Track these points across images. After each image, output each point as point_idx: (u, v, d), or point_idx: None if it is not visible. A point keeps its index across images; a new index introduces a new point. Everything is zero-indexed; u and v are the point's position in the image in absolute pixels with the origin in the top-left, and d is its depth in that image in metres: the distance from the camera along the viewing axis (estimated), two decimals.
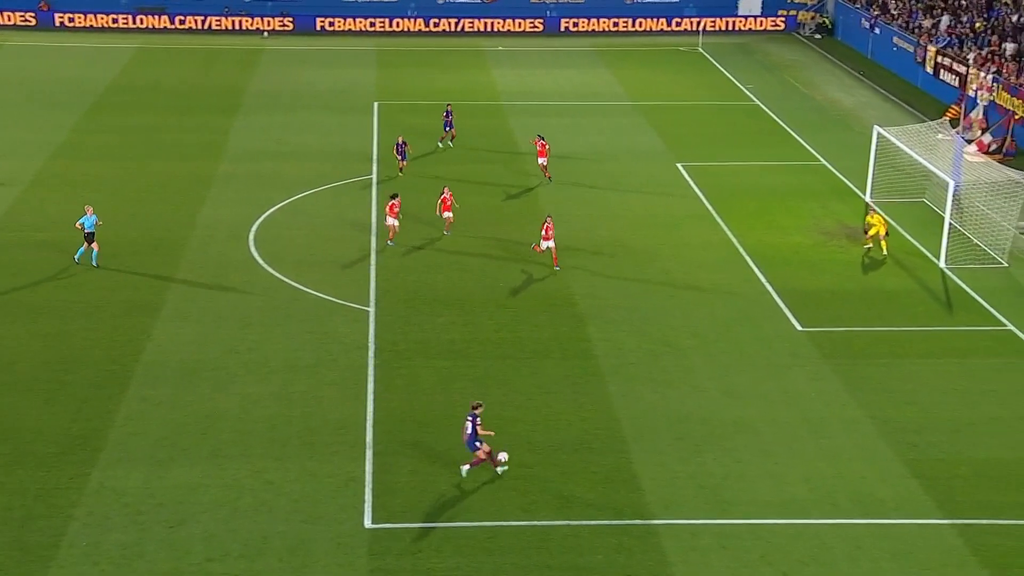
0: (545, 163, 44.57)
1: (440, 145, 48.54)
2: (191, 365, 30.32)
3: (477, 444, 25.26)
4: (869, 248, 38.02)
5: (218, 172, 45.90)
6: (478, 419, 25.20)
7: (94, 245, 35.81)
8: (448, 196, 39.22)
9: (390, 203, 38.19)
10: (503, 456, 25.52)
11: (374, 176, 45.47)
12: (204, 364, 30.43)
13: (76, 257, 36.11)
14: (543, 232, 36.48)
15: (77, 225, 36.09)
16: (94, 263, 35.90)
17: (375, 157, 47.96)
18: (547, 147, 44.57)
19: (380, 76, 62.77)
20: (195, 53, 67.23)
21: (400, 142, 45.19)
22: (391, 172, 46.00)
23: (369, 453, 26.46)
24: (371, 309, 33.93)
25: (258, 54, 67.40)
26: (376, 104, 56.61)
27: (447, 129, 49.01)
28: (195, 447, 26.60)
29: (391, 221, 38.13)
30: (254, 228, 39.87)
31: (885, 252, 37.70)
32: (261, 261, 37.09)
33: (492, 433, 25.70)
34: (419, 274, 36.53)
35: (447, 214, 39.09)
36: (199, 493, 24.91)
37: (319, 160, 47.39)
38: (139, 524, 23.94)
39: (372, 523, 24.02)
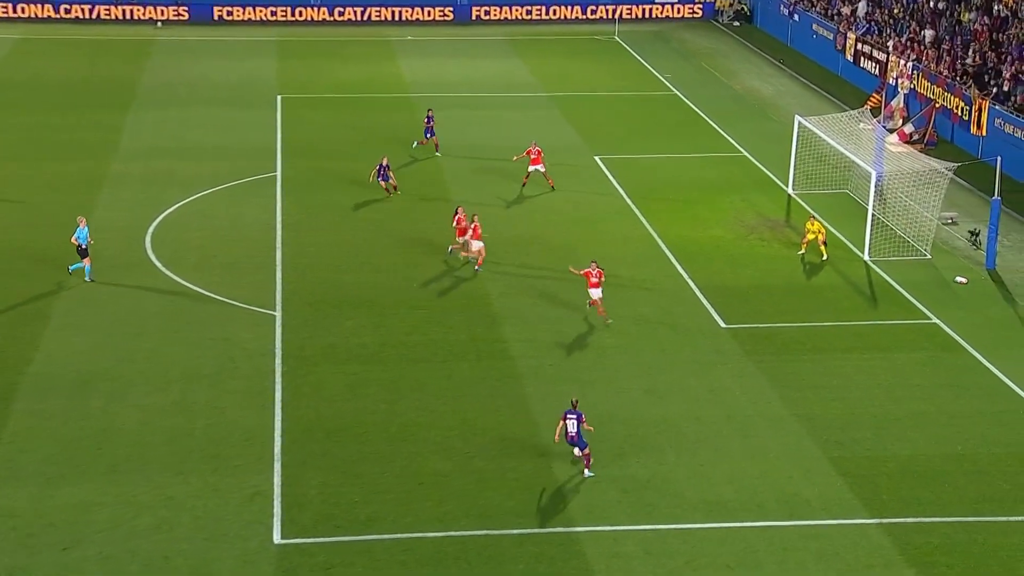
0: (543, 170, 42.43)
1: (414, 146, 46.80)
2: (84, 376, 29.75)
3: (585, 441, 25.68)
4: (803, 253, 38.38)
5: (110, 172, 45.11)
6: (583, 415, 25.59)
7: (86, 260, 34.95)
8: (463, 217, 36.41)
9: (473, 224, 35.79)
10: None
11: (278, 174, 45.04)
12: (98, 375, 29.88)
13: (73, 271, 35.38)
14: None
15: (73, 240, 34.90)
16: (88, 278, 35.02)
17: (279, 154, 47.50)
18: (541, 153, 42.58)
19: (282, 68, 62.18)
20: (82, 44, 65.94)
21: (384, 164, 42.05)
22: (296, 171, 45.57)
23: (277, 465, 26.18)
24: (276, 313, 33.59)
25: (150, 45, 66.35)
26: (279, 98, 56.07)
27: (428, 136, 46.79)
28: (89, 463, 26.08)
29: (476, 245, 35.67)
30: (151, 230, 39.25)
31: (825, 256, 38.02)
32: (159, 264, 36.53)
33: (592, 429, 26.14)
34: (327, 275, 36.25)
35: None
36: (94, 512, 24.41)
37: (219, 158, 46.80)
38: (28, 547, 23.39)
39: (281, 539, 23.77)
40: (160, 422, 27.81)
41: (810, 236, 38.18)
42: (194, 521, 24.21)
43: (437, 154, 46.52)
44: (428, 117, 47.08)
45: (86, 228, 35.18)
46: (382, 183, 42.15)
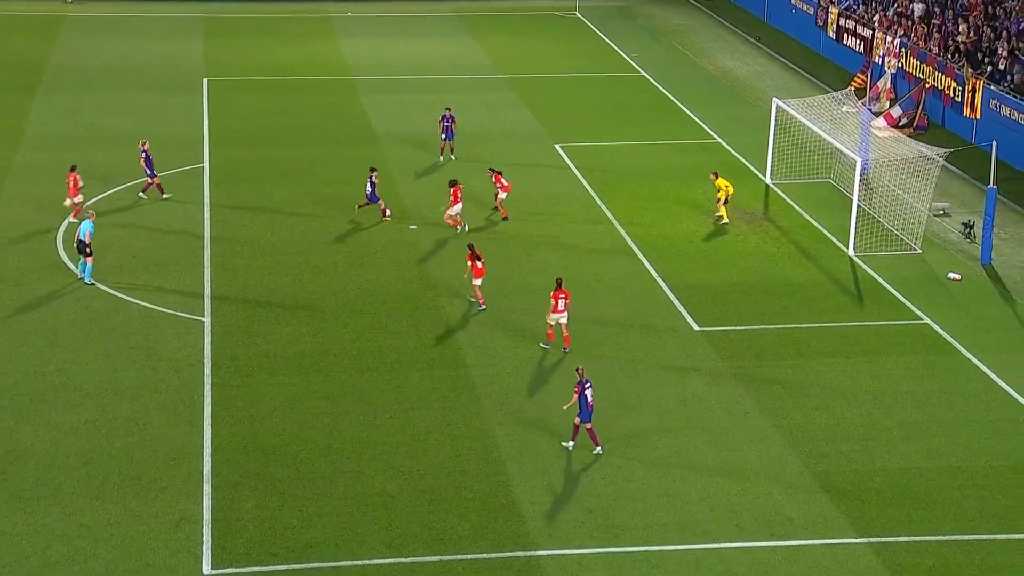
0: (503, 198, 40.22)
1: (441, 159, 45.51)
2: None
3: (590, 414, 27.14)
4: (721, 217, 40.27)
5: (14, 162, 44.77)
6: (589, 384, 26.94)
7: (88, 259, 35.06)
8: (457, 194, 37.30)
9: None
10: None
11: (205, 165, 44.79)
12: (3, 390, 29.59)
13: (81, 274, 35.36)
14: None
15: (84, 238, 34.94)
16: (87, 279, 35.05)
17: (206, 143, 47.24)
18: (508, 186, 40.25)
19: (209, 48, 61.87)
20: None
21: (372, 180, 39.79)
22: (226, 162, 45.36)
23: (206, 487, 26.05)
24: (206, 319, 33.43)
25: (59, 23, 65.79)
26: (206, 81, 55.78)
27: (445, 138, 45.33)
28: None
29: (477, 282, 33.76)
30: (62, 228, 38.92)
31: (724, 219, 40.22)
32: (72, 266, 36.25)
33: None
34: (261, 276, 36.11)
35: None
36: (0, 543, 24.16)
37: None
38: None
39: (212, 568, 23.64)
40: (74, 442, 27.57)
41: (721, 195, 39.92)
42: (113, 551, 24.01)
43: (451, 157, 45.48)
44: (444, 116, 45.48)
45: (92, 224, 35.31)
46: (378, 202, 39.80)
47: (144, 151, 41.09)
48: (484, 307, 33.91)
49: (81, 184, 39.33)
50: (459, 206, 38.71)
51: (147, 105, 52.05)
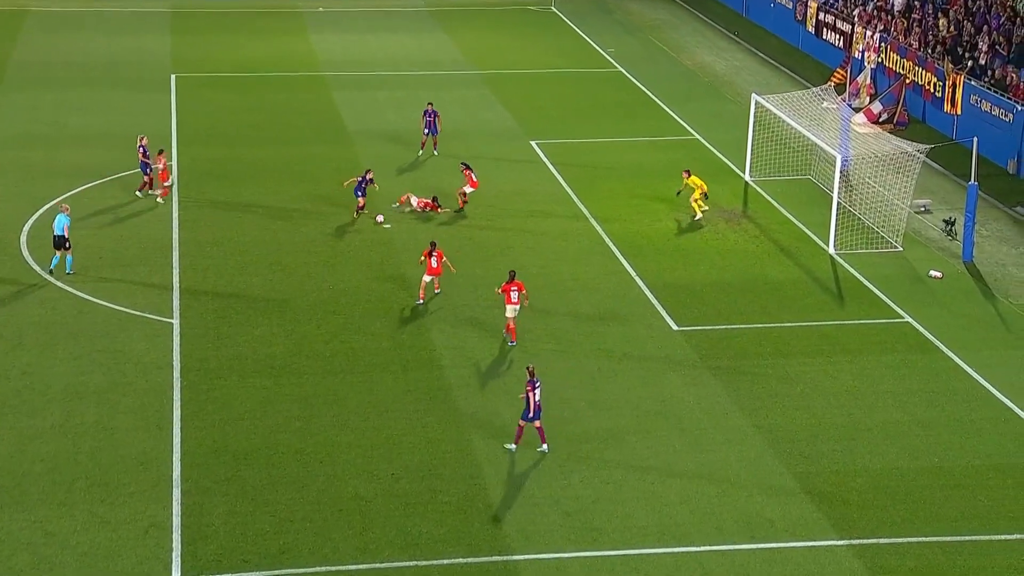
0: (469, 192, 40.70)
1: (420, 154, 45.50)
2: None
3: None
4: (698, 215, 40.63)
5: None
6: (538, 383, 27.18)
7: (68, 252, 35.31)
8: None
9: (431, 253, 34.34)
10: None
11: (174, 163, 44.60)
12: None
13: (54, 267, 35.34)
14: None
15: (64, 231, 35.19)
16: (69, 270, 35.34)
17: (174, 141, 47.10)
18: (477, 183, 40.72)
19: (177, 44, 61.66)
20: None
21: (367, 178, 40.08)
22: (195, 160, 45.24)
23: (176, 492, 25.99)
24: (175, 321, 33.35)
25: (21, 17, 65.48)
26: (173, 77, 55.60)
27: (427, 133, 45.32)
28: None
29: (427, 278, 34.37)
30: (26, 228, 38.77)
31: (699, 215, 40.67)
32: (37, 268, 36.10)
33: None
34: (231, 277, 36.04)
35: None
36: None
37: (105, 146, 46.36)
38: None
39: (181, 575, 23.65)
40: (39, 447, 27.45)
41: (697, 192, 40.27)
42: (80, 559, 23.92)
43: (434, 152, 45.51)
44: (427, 111, 45.42)
45: (67, 217, 35.41)
46: (359, 198, 39.87)
47: (142, 147, 41.17)
48: (422, 302, 34.39)
49: (164, 164, 41.06)
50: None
51: (113, 102, 51.86)
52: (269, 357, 31.61)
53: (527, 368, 27.70)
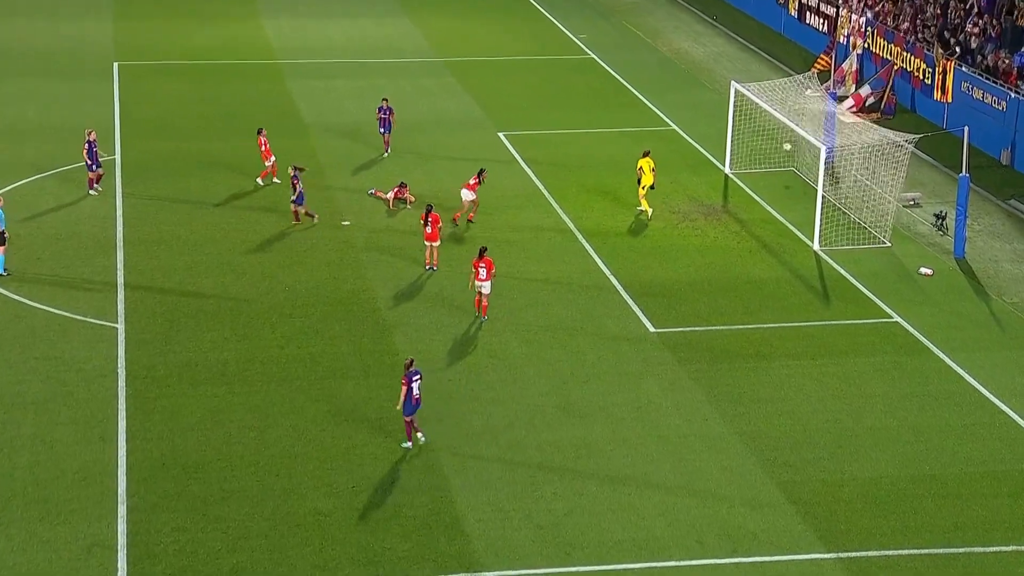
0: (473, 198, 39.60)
1: (386, 154, 44.96)
2: None
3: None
4: (642, 211, 40.67)
5: None
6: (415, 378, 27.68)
7: (1, 248, 35.27)
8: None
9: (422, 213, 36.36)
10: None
11: (117, 157, 44.46)
12: None
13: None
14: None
15: None
16: (1, 271, 35.22)
17: (117, 134, 46.90)
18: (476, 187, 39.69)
19: (120, 30, 61.44)
20: None
21: (295, 173, 39.12)
22: (139, 154, 45.06)
23: (121, 509, 25.89)
24: (119, 325, 33.21)
25: None
26: (116, 65, 55.37)
27: (383, 131, 44.90)
28: None
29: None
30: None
31: (647, 209, 40.54)
32: None
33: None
34: (180, 278, 35.91)
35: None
36: None
37: (42, 139, 46.24)
38: None
39: None
40: None
41: (646, 179, 40.18)
42: None
43: (385, 155, 45.18)
44: (381, 108, 44.91)
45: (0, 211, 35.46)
46: (295, 207, 39.18)
47: (89, 142, 40.78)
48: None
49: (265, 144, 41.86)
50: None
51: (51, 92, 51.62)
52: (221, 364, 31.50)
53: (405, 362, 28.02)
